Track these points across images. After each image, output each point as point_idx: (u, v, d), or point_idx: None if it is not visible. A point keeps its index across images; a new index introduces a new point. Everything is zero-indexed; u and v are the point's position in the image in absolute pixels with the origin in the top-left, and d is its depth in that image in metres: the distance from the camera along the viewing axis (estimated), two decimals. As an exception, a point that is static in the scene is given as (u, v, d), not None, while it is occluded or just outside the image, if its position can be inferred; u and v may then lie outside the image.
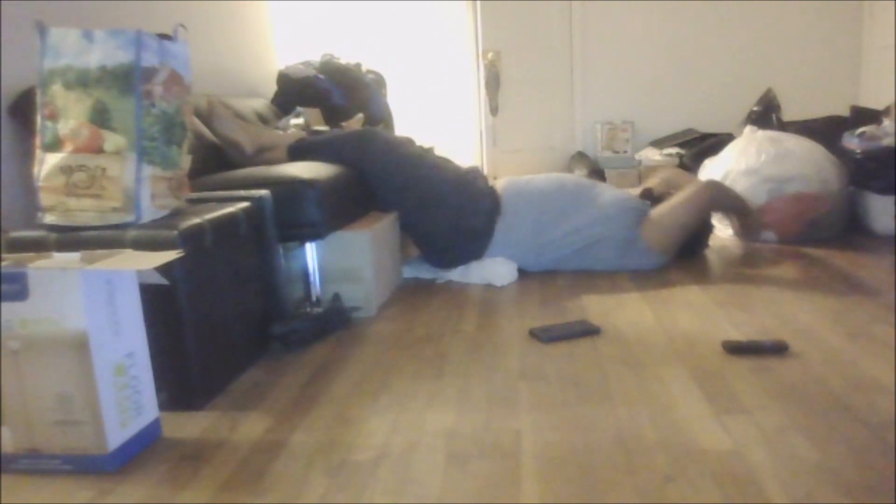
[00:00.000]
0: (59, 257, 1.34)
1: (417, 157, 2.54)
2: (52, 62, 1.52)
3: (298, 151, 2.47)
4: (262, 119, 3.15)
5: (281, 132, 2.83)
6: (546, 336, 1.84)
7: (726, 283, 2.30)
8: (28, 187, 1.64)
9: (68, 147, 1.51)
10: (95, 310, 1.25)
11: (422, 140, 2.82)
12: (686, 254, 2.67)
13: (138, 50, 1.51)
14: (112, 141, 1.50)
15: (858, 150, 2.93)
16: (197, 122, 2.48)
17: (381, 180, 2.47)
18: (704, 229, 2.70)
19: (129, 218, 1.53)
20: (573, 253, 2.51)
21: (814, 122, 3.48)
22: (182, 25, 1.61)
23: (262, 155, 2.50)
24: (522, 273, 2.52)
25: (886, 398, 1.39)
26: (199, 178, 2.12)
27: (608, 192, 2.60)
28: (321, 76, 3.61)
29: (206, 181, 2.11)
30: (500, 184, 2.65)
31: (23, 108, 1.88)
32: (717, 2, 4.51)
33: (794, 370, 1.56)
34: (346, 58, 3.88)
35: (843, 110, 3.68)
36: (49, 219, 1.54)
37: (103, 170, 1.50)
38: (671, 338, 1.81)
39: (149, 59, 1.53)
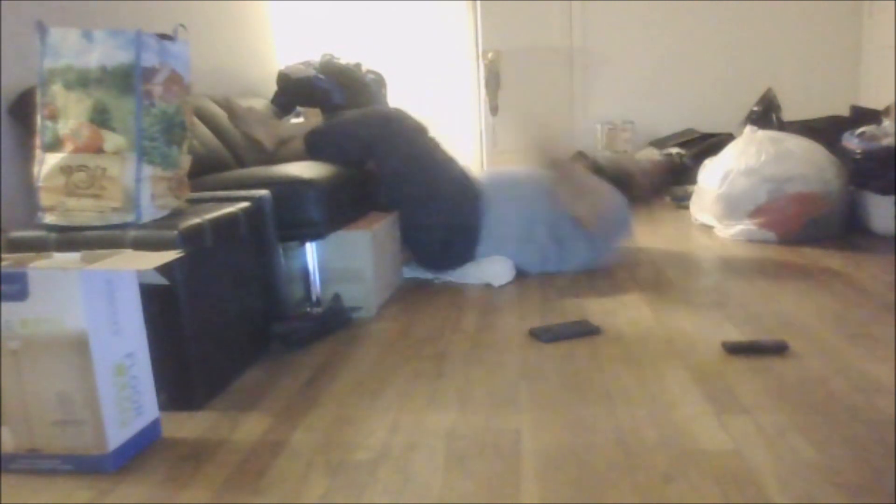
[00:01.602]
0: (59, 257, 1.35)
1: (431, 149, 2.55)
2: (52, 62, 1.52)
3: (315, 138, 2.49)
4: (264, 119, 3.15)
5: (293, 124, 2.86)
6: (546, 336, 1.84)
7: (726, 283, 2.30)
8: (28, 187, 1.64)
9: (68, 147, 1.51)
10: (95, 310, 1.25)
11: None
12: (647, 199, 2.74)
13: (138, 50, 1.51)
14: (112, 141, 1.50)
15: (858, 150, 2.93)
16: (198, 122, 2.48)
17: (392, 167, 2.46)
18: (658, 177, 2.75)
19: (129, 218, 1.53)
20: (557, 252, 2.52)
21: (814, 122, 3.48)
22: (182, 25, 1.61)
23: (282, 149, 2.53)
24: (522, 273, 2.52)
25: (886, 398, 1.39)
26: (199, 178, 2.13)
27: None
28: (321, 76, 3.61)
29: (207, 181, 2.11)
30: (481, 177, 2.66)
31: (23, 108, 1.88)
32: (717, 2, 4.51)
33: (794, 370, 1.56)
34: (346, 58, 3.88)
35: (843, 110, 3.68)
36: (49, 219, 1.54)
37: (103, 170, 1.50)
38: (671, 338, 1.81)
39: (149, 59, 1.53)
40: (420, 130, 2.58)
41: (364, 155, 2.46)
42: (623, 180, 2.76)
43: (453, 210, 2.48)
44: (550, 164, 2.56)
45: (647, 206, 2.78)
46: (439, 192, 2.48)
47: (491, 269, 2.46)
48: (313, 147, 2.50)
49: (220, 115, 2.78)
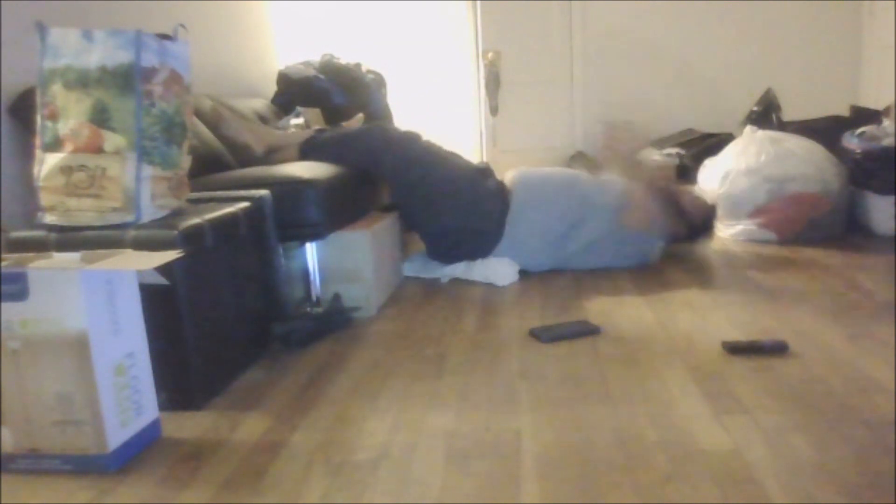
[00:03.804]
0: (59, 257, 1.35)
1: (433, 152, 2.54)
2: (52, 62, 1.52)
3: (311, 149, 2.47)
4: (262, 119, 3.15)
5: (286, 132, 2.83)
6: (546, 336, 1.84)
7: (726, 283, 2.30)
8: (28, 187, 1.64)
9: (68, 147, 1.51)
10: (95, 310, 1.25)
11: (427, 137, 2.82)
12: (692, 239, 2.69)
13: (138, 50, 1.51)
14: (112, 141, 1.50)
15: (858, 150, 2.93)
16: (198, 122, 2.48)
17: (396, 175, 2.46)
18: (707, 215, 2.71)
19: (129, 218, 1.53)
20: (574, 252, 2.52)
21: (814, 122, 3.48)
22: (182, 25, 1.61)
23: (273, 155, 2.51)
24: (523, 273, 2.52)
25: (886, 398, 1.39)
26: (199, 178, 2.12)
27: (610, 186, 2.60)
28: (321, 76, 3.61)
29: (207, 181, 2.11)
30: (510, 175, 2.65)
31: (23, 108, 1.88)
32: (716, 2, 4.51)
33: (794, 370, 1.56)
34: (346, 58, 3.88)
35: (843, 110, 3.68)
36: (49, 219, 1.54)
37: (103, 170, 1.50)
38: (671, 338, 1.81)
39: (149, 59, 1.53)
40: (414, 136, 2.59)
41: (362, 164, 2.45)
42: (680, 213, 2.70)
43: (465, 213, 2.47)
44: (632, 167, 2.55)
45: (691, 243, 2.69)
46: (448, 194, 2.47)
47: (496, 270, 2.46)
48: (309, 157, 2.48)
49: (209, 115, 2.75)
